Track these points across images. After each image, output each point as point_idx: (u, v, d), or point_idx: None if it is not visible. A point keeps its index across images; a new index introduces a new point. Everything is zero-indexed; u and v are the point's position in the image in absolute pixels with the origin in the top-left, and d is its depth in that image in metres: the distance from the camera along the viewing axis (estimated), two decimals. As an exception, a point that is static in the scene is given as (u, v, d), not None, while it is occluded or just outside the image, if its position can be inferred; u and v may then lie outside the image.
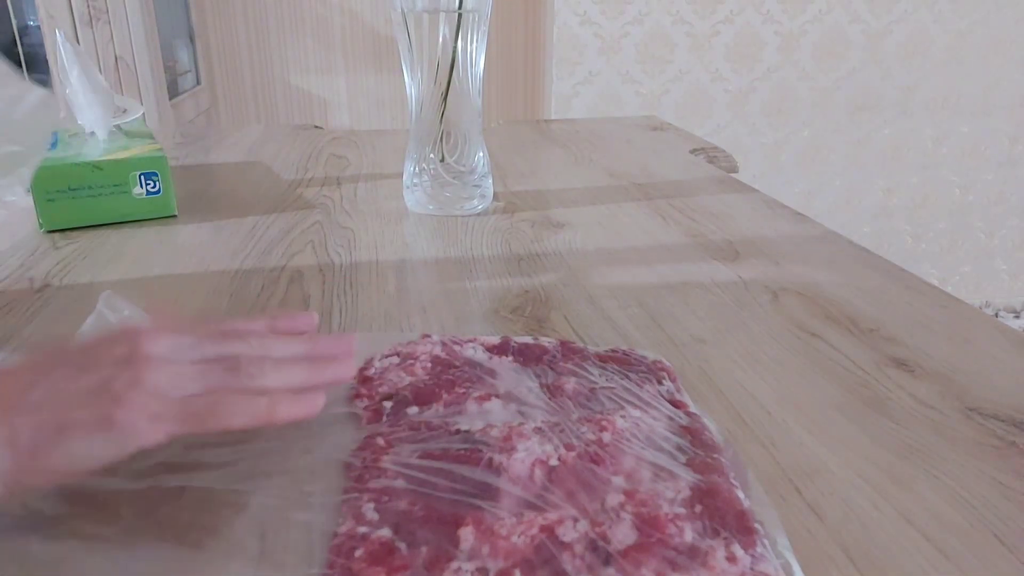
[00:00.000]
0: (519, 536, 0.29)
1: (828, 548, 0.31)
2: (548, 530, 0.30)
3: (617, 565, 0.26)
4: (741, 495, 0.31)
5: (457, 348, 0.43)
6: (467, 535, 0.28)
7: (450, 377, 0.40)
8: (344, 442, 0.37)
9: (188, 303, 0.54)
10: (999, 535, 0.32)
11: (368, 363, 0.42)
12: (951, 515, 0.33)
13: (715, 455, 0.33)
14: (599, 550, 0.27)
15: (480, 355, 0.42)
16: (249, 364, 0.33)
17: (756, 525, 0.29)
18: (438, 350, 0.42)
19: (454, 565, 0.27)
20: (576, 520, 0.29)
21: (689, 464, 0.33)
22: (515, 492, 0.31)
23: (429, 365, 0.41)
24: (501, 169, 0.88)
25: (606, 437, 0.33)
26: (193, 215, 0.72)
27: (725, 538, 0.28)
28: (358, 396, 0.39)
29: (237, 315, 0.37)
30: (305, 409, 0.34)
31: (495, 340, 0.44)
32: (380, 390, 0.39)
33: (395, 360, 0.42)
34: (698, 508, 0.29)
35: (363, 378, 0.41)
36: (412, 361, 0.41)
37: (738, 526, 0.29)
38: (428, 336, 0.44)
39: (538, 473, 0.34)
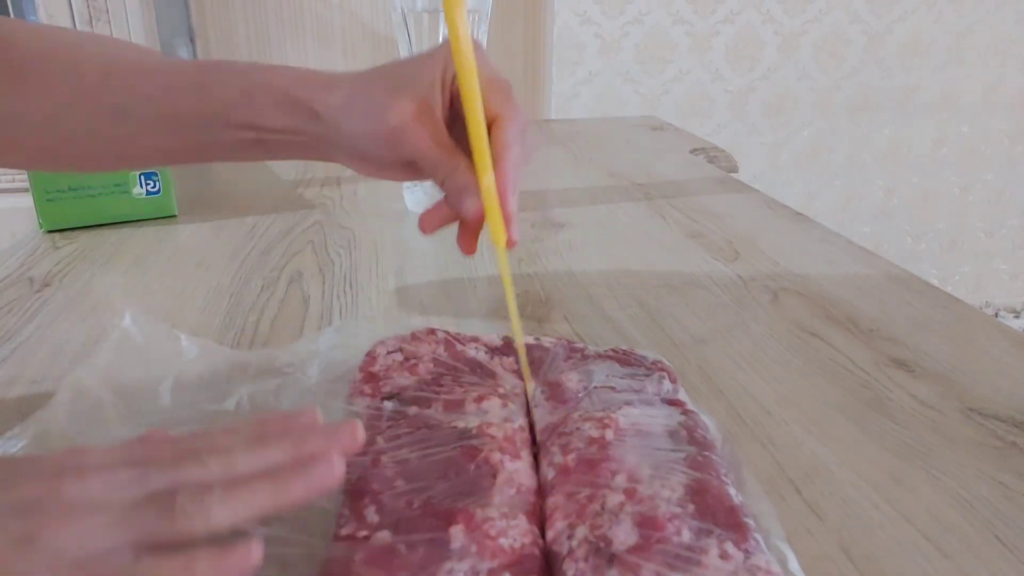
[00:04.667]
0: (508, 538, 0.29)
1: (828, 548, 0.31)
2: (543, 533, 0.30)
3: (620, 566, 0.26)
4: (732, 491, 0.31)
5: (460, 348, 0.43)
6: (457, 534, 0.28)
7: (451, 377, 0.40)
8: (344, 442, 0.37)
9: (188, 303, 0.54)
10: (999, 535, 0.32)
11: (372, 357, 0.42)
12: (951, 515, 0.33)
13: (706, 452, 0.33)
14: (601, 552, 0.27)
15: (482, 355, 0.42)
16: (188, 501, 0.27)
17: (748, 520, 0.29)
18: (441, 350, 0.42)
19: (447, 566, 0.27)
20: (574, 525, 0.29)
21: (684, 462, 0.33)
22: (510, 493, 0.31)
23: (431, 366, 0.41)
24: (501, 169, 0.88)
25: (608, 435, 0.33)
26: (193, 215, 0.72)
27: (718, 536, 0.28)
28: (361, 394, 0.40)
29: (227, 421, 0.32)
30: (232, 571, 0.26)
31: (497, 342, 0.44)
32: (384, 390, 0.40)
33: (399, 357, 0.42)
34: (690, 507, 0.29)
35: (368, 375, 0.41)
36: (415, 361, 0.41)
37: (729, 522, 0.29)
38: (434, 331, 0.44)
39: (538, 474, 0.34)
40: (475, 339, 0.44)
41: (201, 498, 0.27)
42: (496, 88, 0.37)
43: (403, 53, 0.68)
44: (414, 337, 0.44)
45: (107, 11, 1.39)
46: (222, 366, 0.43)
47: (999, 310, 2.33)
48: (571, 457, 0.33)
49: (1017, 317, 2.34)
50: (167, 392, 0.41)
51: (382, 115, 0.37)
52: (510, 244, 0.37)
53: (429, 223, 0.40)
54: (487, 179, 0.36)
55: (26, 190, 0.72)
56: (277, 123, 0.39)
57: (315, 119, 0.39)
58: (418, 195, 0.71)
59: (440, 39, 0.65)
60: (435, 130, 0.37)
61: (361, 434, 0.30)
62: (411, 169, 0.39)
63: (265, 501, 0.27)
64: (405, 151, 0.37)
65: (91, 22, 1.37)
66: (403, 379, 0.40)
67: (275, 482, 0.28)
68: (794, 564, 0.28)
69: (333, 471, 0.28)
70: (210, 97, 0.39)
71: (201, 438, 0.30)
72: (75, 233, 0.67)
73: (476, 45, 0.35)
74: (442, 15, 0.64)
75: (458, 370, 0.41)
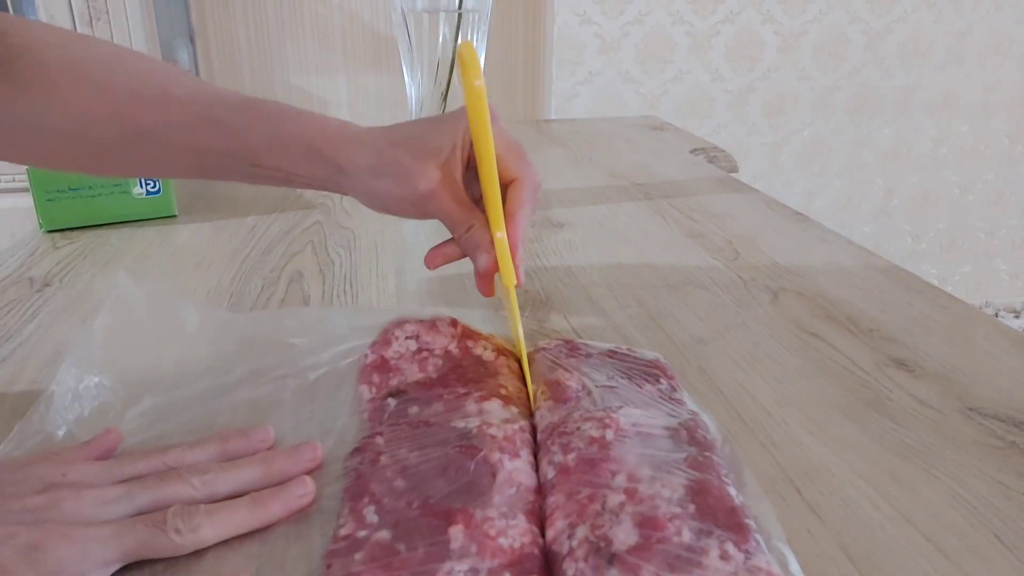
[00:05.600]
0: (507, 538, 0.29)
1: (828, 548, 0.31)
2: (543, 532, 0.30)
3: (620, 566, 0.26)
4: (732, 491, 0.31)
5: (470, 345, 0.43)
6: (457, 534, 0.28)
7: (455, 376, 0.40)
8: (345, 441, 0.37)
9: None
10: (999, 535, 0.32)
11: (387, 340, 0.42)
12: (951, 515, 0.33)
13: (707, 453, 0.33)
14: (601, 552, 0.27)
15: (488, 355, 0.42)
16: (176, 516, 0.30)
17: (748, 521, 0.29)
18: (453, 346, 0.43)
19: (446, 566, 0.27)
20: (574, 525, 0.29)
21: (684, 463, 0.33)
22: (509, 492, 0.31)
23: (440, 362, 0.41)
24: (501, 169, 0.88)
25: (609, 435, 0.33)
26: (193, 215, 0.72)
27: (718, 536, 0.28)
28: (369, 383, 0.40)
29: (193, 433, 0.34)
30: None
31: (506, 344, 0.44)
32: (391, 383, 0.40)
33: (412, 346, 0.42)
34: (691, 507, 0.29)
35: (379, 360, 0.41)
36: (427, 353, 0.42)
37: (729, 523, 0.28)
38: (455, 323, 0.44)
39: (538, 473, 0.34)
40: (489, 338, 0.44)
41: (190, 515, 0.30)
42: (511, 152, 0.41)
43: (403, 53, 0.68)
44: (432, 326, 0.44)
45: (107, 11, 1.39)
46: (225, 340, 0.43)
47: (999, 310, 2.33)
48: (571, 457, 0.33)
49: (1017, 317, 2.34)
50: (168, 369, 0.41)
51: (411, 182, 0.40)
52: (518, 285, 0.41)
53: (434, 260, 0.43)
54: (501, 234, 0.40)
55: (26, 190, 0.72)
56: (303, 171, 0.42)
57: (340, 172, 0.41)
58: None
59: (440, 39, 0.65)
60: (456, 192, 0.41)
61: (320, 455, 0.35)
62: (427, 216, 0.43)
63: (248, 520, 0.31)
64: (430, 212, 0.41)
65: (91, 22, 1.37)
66: (411, 372, 0.41)
67: (256, 503, 0.32)
68: (794, 566, 0.28)
69: (308, 492, 0.33)
70: (237, 140, 0.41)
71: (171, 455, 0.34)
72: (75, 233, 0.67)
73: (492, 115, 0.38)
74: (442, 16, 0.64)
75: (464, 368, 0.41)
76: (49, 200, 0.67)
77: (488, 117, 0.37)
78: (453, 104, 0.68)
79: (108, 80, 0.41)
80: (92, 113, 0.40)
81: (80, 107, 0.40)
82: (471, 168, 0.41)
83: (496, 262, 0.40)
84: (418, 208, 0.41)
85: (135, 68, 0.42)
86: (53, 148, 0.42)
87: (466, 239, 0.41)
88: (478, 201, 0.41)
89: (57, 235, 0.67)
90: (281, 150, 0.41)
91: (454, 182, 0.41)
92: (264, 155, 0.41)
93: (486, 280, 0.42)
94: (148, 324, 0.43)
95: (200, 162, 0.42)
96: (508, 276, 0.40)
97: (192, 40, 1.76)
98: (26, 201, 0.72)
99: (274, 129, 0.41)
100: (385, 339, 0.43)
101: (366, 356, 0.42)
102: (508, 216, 0.40)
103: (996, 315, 2.26)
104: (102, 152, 0.42)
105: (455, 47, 0.66)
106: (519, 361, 0.43)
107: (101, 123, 0.41)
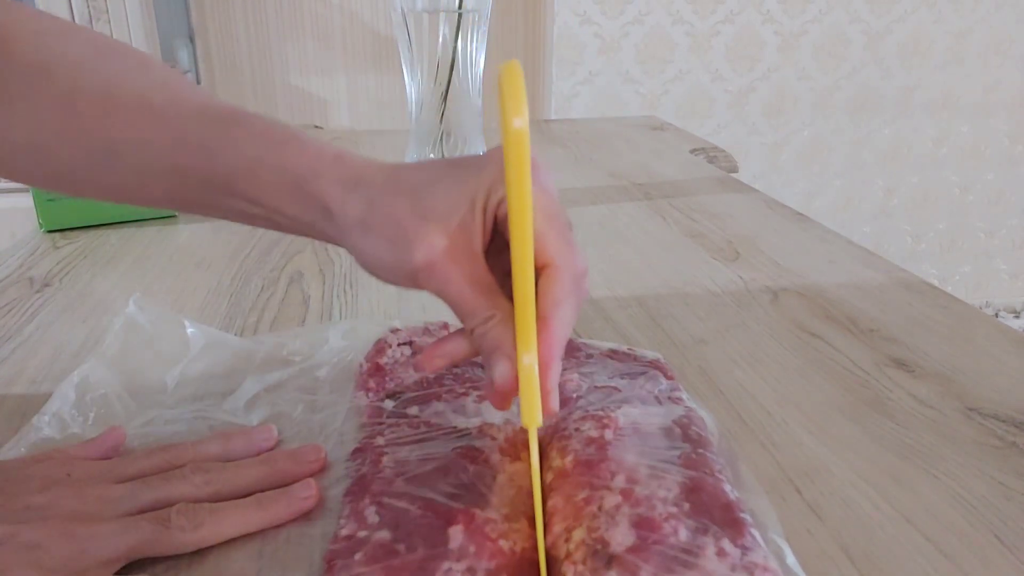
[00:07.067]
0: (508, 540, 0.29)
1: (828, 548, 0.31)
2: (540, 535, 0.30)
3: (619, 567, 0.26)
4: (727, 487, 0.31)
5: None
6: (456, 534, 0.28)
7: (453, 376, 0.40)
8: (345, 442, 0.37)
9: (188, 303, 0.54)
10: (999, 535, 0.32)
11: (381, 348, 0.42)
12: (951, 515, 0.33)
13: (700, 450, 0.33)
14: (599, 554, 0.27)
15: None
16: (180, 514, 0.30)
17: (744, 516, 0.29)
18: None
19: (445, 565, 0.27)
20: (571, 529, 0.29)
21: (679, 460, 0.33)
22: (510, 494, 0.31)
23: None
24: (501, 169, 0.88)
25: (608, 435, 0.33)
26: (193, 215, 0.72)
27: (714, 534, 0.28)
28: (365, 389, 0.40)
29: (202, 432, 0.34)
30: None
31: None
32: (388, 386, 0.40)
33: (408, 351, 0.42)
34: (686, 506, 0.29)
35: (375, 367, 0.41)
36: None
37: (725, 519, 0.28)
38: (447, 327, 0.44)
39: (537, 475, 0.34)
40: None
41: (193, 513, 0.30)
42: (553, 226, 0.30)
43: (403, 53, 0.68)
44: (426, 331, 0.44)
45: (107, 11, 1.39)
46: (228, 356, 0.44)
47: (999, 310, 2.33)
48: (569, 460, 0.32)
49: (1017, 317, 2.34)
50: (173, 384, 0.41)
51: (406, 248, 0.30)
52: (548, 415, 0.30)
53: (431, 362, 0.32)
54: (529, 358, 0.28)
55: (26, 190, 0.72)
56: (287, 209, 0.33)
57: (328, 218, 0.33)
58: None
59: (440, 40, 0.65)
60: (470, 267, 0.30)
61: (324, 457, 0.35)
62: None
63: (252, 520, 0.31)
64: (430, 289, 0.31)
65: (91, 22, 1.37)
66: (408, 376, 0.40)
67: (260, 503, 0.32)
68: (791, 559, 0.28)
69: (312, 494, 0.32)
70: (214, 160, 0.34)
71: (173, 452, 0.34)
72: (75, 233, 0.67)
73: (532, 167, 0.27)
74: (442, 16, 0.64)
75: (462, 369, 0.41)
76: (49, 200, 0.67)
77: (528, 174, 0.26)
78: (453, 104, 0.68)
79: (78, 86, 0.35)
80: (57, 126, 0.35)
81: (44, 119, 0.35)
82: (500, 237, 0.31)
83: (516, 380, 0.29)
84: (414, 282, 0.31)
85: (111, 70, 0.36)
86: (19, 164, 0.37)
87: (480, 335, 0.30)
88: (507, 280, 0.30)
89: (57, 235, 0.67)
90: (261, 180, 0.33)
91: (468, 254, 0.30)
92: (242, 183, 0.33)
93: (502, 397, 0.31)
94: (155, 344, 0.44)
95: (175, 188, 0.35)
96: (530, 412, 0.29)
97: (192, 40, 1.76)
98: (26, 201, 0.72)
99: (256, 152, 0.33)
100: (379, 348, 0.43)
101: (361, 366, 0.42)
102: (538, 319, 0.29)
103: (996, 315, 2.26)
104: (68, 171, 0.36)
105: (455, 47, 0.66)
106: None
107: (68, 138, 0.35)
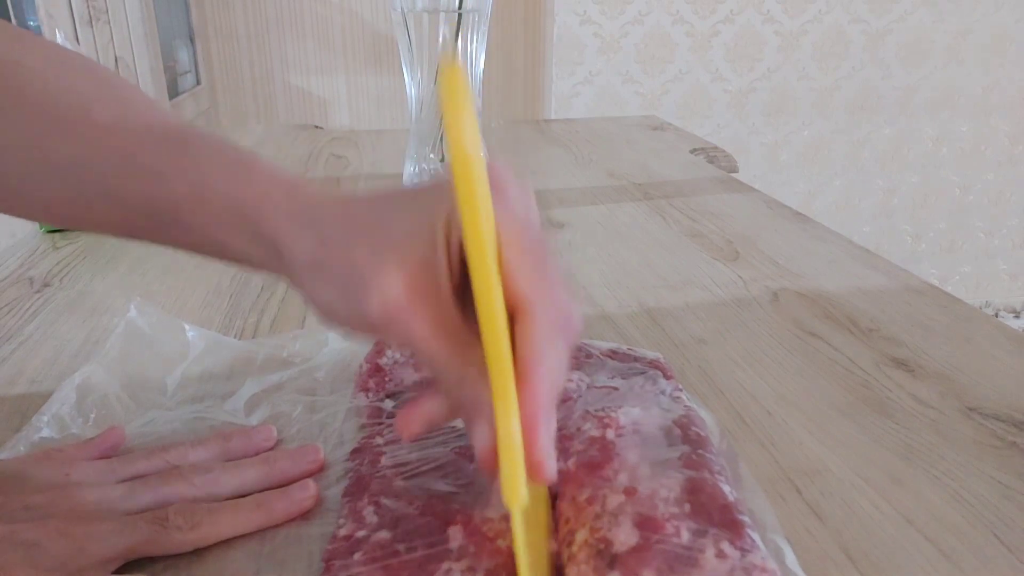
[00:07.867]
0: (507, 540, 0.29)
1: (828, 548, 0.31)
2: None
3: (622, 568, 0.26)
4: (727, 488, 0.30)
5: None
6: (455, 534, 0.28)
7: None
8: (345, 442, 0.37)
9: (188, 304, 0.54)
10: (999, 535, 0.32)
11: (380, 348, 0.42)
12: (951, 515, 0.33)
13: (700, 450, 0.33)
14: (602, 555, 0.27)
15: None
16: (178, 514, 0.29)
17: (743, 517, 0.29)
18: None
19: (444, 566, 0.27)
20: (574, 530, 0.29)
21: (679, 461, 0.33)
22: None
23: None
24: (501, 169, 0.88)
25: (609, 435, 0.33)
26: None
27: (713, 535, 0.28)
28: (365, 389, 0.40)
29: (195, 435, 0.33)
30: None
31: None
32: (388, 386, 0.40)
33: (406, 351, 0.42)
34: (686, 507, 0.29)
35: (374, 367, 0.41)
36: None
37: (724, 520, 0.28)
38: None
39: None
40: None
41: (191, 513, 0.30)
42: (526, 260, 0.25)
43: (403, 53, 0.68)
44: None
45: (107, 11, 1.39)
46: (228, 358, 0.44)
47: (999, 310, 2.33)
48: (571, 462, 0.32)
49: (1017, 317, 2.34)
50: (173, 386, 0.41)
51: (361, 294, 0.26)
52: (538, 478, 0.24)
53: (408, 426, 0.28)
54: (508, 427, 0.23)
55: (26, 190, 0.72)
56: (231, 243, 0.30)
57: (278, 257, 0.29)
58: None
59: (440, 39, 0.65)
60: (435, 313, 0.26)
61: (322, 457, 0.35)
62: None
63: (250, 520, 0.31)
64: (393, 339, 0.27)
65: (91, 22, 1.37)
66: (408, 375, 0.40)
67: (259, 504, 0.31)
68: (791, 558, 0.28)
69: (311, 495, 0.32)
70: (159, 186, 0.30)
71: (172, 453, 0.34)
72: (75, 233, 0.67)
73: (499, 188, 0.23)
74: (442, 16, 0.64)
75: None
76: (49, 200, 0.67)
77: (480, 203, 0.22)
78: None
79: (19, 100, 0.31)
80: None
81: None
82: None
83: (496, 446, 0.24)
84: (375, 332, 0.28)
85: (61, 83, 0.32)
86: None
87: (454, 396, 0.26)
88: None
89: (57, 235, 0.67)
90: (207, 209, 0.29)
91: (434, 297, 0.26)
92: (186, 211, 0.30)
93: (490, 466, 0.25)
94: (155, 347, 0.44)
95: (119, 214, 0.32)
96: (512, 487, 0.23)
97: (192, 40, 1.76)
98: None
99: (202, 177, 0.29)
100: (378, 348, 0.43)
101: (361, 366, 0.42)
102: (518, 378, 0.24)
103: (996, 315, 2.26)
104: (10, 193, 0.33)
105: (455, 47, 0.66)
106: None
107: (8, 156, 0.32)
